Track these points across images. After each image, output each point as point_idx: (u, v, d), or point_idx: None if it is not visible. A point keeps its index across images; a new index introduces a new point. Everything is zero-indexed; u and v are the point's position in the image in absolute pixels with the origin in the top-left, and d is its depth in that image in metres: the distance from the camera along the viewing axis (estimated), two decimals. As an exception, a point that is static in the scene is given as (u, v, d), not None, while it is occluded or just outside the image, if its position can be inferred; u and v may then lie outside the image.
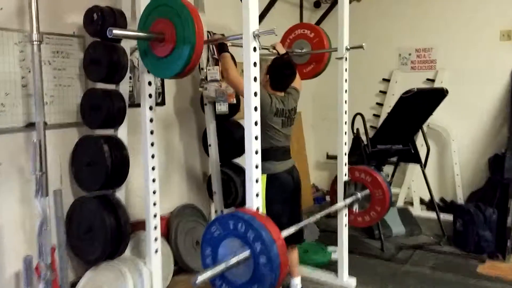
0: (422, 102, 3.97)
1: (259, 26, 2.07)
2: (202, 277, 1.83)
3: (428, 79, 5.03)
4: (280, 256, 1.92)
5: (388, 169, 4.90)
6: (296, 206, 2.91)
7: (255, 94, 2.12)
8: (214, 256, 2.09)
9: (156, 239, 2.71)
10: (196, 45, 2.04)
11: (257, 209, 2.20)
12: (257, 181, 2.19)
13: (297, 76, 3.01)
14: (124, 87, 2.85)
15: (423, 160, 4.38)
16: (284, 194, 2.75)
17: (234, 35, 2.31)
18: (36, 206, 2.36)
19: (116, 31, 1.97)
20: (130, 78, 3.13)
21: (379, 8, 5.33)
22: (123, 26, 2.72)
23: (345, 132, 3.10)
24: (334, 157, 4.68)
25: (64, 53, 2.77)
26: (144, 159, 2.63)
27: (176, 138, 3.75)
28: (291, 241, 2.77)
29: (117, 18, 2.69)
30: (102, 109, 2.68)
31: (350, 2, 5.13)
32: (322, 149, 5.82)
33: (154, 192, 2.67)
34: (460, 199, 4.73)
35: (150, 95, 2.59)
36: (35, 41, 2.30)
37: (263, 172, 2.63)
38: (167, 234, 3.42)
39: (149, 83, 2.57)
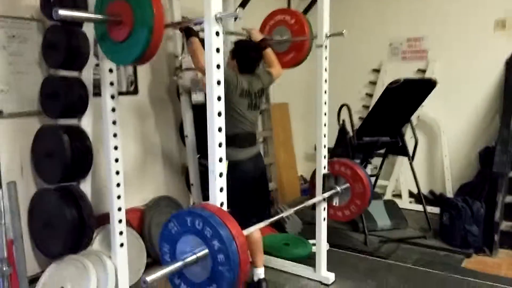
0: (410, 93, 3.80)
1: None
2: (151, 277, 1.70)
3: (419, 70, 4.87)
4: (239, 254, 1.79)
5: (377, 161, 4.77)
6: (261, 196, 2.79)
7: (218, 82, 1.97)
8: (172, 253, 1.96)
9: (121, 233, 2.58)
10: (154, 28, 1.88)
11: (221, 204, 2.06)
12: (221, 175, 2.04)
13: (276, 63, 2.91)
14: (86, 74, 2.69)
15: (411, 153, 4.24)
16: (246, 183, 2.62)
17: (197, 18, 2.14)
18: (-14, 199, 2.22)
19: (63, 12, 1.80)
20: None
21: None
22: (84, 8, 2.54)
23: (324, 124, 2.94)
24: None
25: (21, 37, 2.61)
26: (106, 151, 2.49)
27: (151, 129, 3.60)
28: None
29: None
30: (61, 98, 2.53)
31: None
32: (311, 140, 5.66)
33: (118, 185, 2.53)
34: (449, 192, 4.60)
35: (111, 83, 2.44)
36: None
37: None
38: (141, 226, 3.29)
39: (110, 70, 2.42)
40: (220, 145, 2.02)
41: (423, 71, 4.80)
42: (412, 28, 4.89)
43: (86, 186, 2.75)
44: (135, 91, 3.41)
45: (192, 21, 2.40)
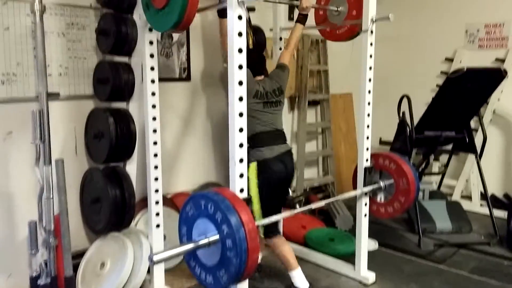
0: (475, 83, 3.45)
1: None
2: (158, 256, 1.75)
3: (497, 59, 4.42)
4: (247, 241, 1.78)
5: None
6: (284, 194, 2.75)
7: (240, 67, 1.96)
8: (189, 235, 2.00)
9: (157, 214, 2.68)
10: None
11: (241, 190, 2.05)
12: (241, 160, 2.03)
13: (293, 46, 2.85)
14: (135, 60, 2.82)
15: (479, 150, 3.87)
16: (275, 181, 2.57)
17: (219, 3, 2.14)
18: (36, 174, 2.43)
19: None
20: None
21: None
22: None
23: (368, 114, 2.80)
24: (388, 143, 4.37)
25: (79, 25, 2.81)
26: (146, 134, 2.59)
27: (203, 115, 3.68)
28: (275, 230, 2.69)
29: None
30: (109, 82, 2.68)
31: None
32: (375, 133, 5.42)
33: (155, 167, 2.63)
34: (527, 197, 4.14)
35: (152, 68, 2.54)
36: (37, 11, 2.33)
37: (251, 160, 2.50)
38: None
39: (151, 55, 2.52)
40: (240, 130, 2.00)
41: (502, 60, 4.35)
42: (491, 13, 4.44)
43: (131, 168, 2.89)
44: (188, 78, 3.51)
45: (214, 6, 2.38)
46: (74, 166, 2.88)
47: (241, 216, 1.80)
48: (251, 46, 3.02)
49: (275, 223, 2.65)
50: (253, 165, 2.52)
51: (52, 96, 2.64)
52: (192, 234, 1.96)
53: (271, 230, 2.64)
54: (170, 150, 3.46)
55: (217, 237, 1.83)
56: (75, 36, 2.80)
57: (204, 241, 1.84)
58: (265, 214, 2.44)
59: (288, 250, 2.68)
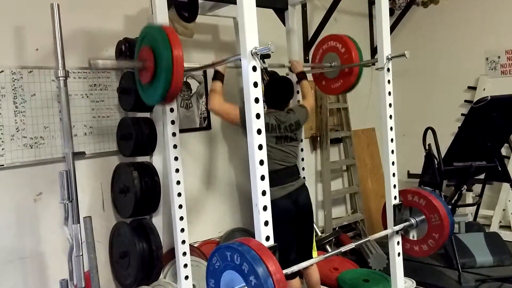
0: (500, 111, 3.39)
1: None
2: (187, 313, 1.73)
3: (523, 85, 4.34)
4: (276, 291, 1.73)
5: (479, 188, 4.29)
6: (303, 232, 2.69)
7: (257, 116, 1.99)
8: (217, 288, 1.97)
9: (185, 266, 2.66)
10: (173, 70, 2.00)
11: (267, 238, 2.02)
12: (265, 208, 2.02)
13: (309, 94, 2.91)
14: (156, 114, 2.91)
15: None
16: (284, 222, 2.51)
17: (234, 56, 2.19)
18: (65, 232, 2.47)
19: (96, 62, 2.03)
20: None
21: (460, 8, 4.77)
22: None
23: (392, 151, 2.76)
24: (416, 175, 4.29)
25: (101, 85, 2.93)
26: (170, 186, 2.62)
27: (226, 162, 3.71)
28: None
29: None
30: (131, 137, 2.76)
31: (424, 5, 4.80)
32: (402, 167, 5.32)
33: (181, 218, 2.63)
34: None
35: (172, 122, 2.58)
36: (61, 77, 2.44)
37: None
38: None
39: (171, 110, 2.57)
40: (262, 178, 2.00)
41: (528, 86, 4.27)
42: (511, 38, 4.40)
43: (157, 220, 2.92)
44: (209, 127, 3.58)
45: (227, 59, 2.44)
46: (102, 222, 2.92)
47: (268, 266, 1.76)
48: None
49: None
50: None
51: (78, 155, 2.73)
52: (220, 287, 1.94)
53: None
54: (196, 199, 3.48)
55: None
56: (98, 97, 2.93)
57: (231, 293, 1.80)
58: (280, 254, 2.37)
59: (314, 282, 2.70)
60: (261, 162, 2.00)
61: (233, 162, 3.74)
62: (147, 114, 2.94)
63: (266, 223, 2.02)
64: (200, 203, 3.53)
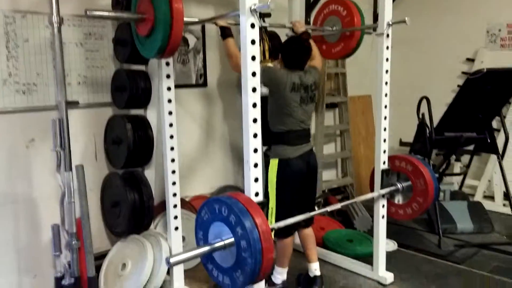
0: (495, 84, 3.41)
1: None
2: (175, 259, 1.80)
3: (520, 59, 4.33)
4: (261, 241, 1.80)
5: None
6: (309, 193, 2.73)
7: (253, 74, 1.99)
8: (205, 239, 2.04)
9: (176, 217, 2.73)
10: (173, 24, 1.98)
11: (256, 194, 2.07)
12: (256, 165, 2.05)
13: (317, 55, 2.85)
14: (152, 67, 2.89)
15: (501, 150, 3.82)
16: (295, 181, 2.58)
17: (232, 11, 2.16)
18: (57, 179, 2.51)
19: (92, 12, 2.00)
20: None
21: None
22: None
23: (385, 117, 2.79)
24: (408, 144, 4.34)
25: (97, 35, 2.89)
26: (163, 139, 2.65)
27: (220, 119, 3.73)
28: (302, 224, 2.71)
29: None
30: (126, 89, 2.75)
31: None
32: (395, 134, 5.37)
33: (173, 172, 2.68)
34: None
35: (168, 76, 2.58)
36: (55, 23, 2.41)
37: (275, 157, 2.53)
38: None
39: (167, 64, 2.56)
40: (255, 136, 2.03)
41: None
42: (514, 11, 4.37)
43: (150, 173, 2.97)
44: (205, 84, 3.57)
45: (225, 15, 2.41)
46: (94, 171, 2.96)
47: (255, 219, 1.82)
48: (267, 53, 3.08)
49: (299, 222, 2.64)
50: (275, 162, 2.53)
51: (72, 104, 2.72)
52: (208, 238, 2.00)
53: (283, 231, 2.63)
54: (189, 154, 3.52)
55: (232, 239, 1.86)
56: (92, 46, 2.88)
57: (219, 243, 1.87)
58: (283, 213, 2.45)
59: (308, 242, 2.78)
60: (255, 120, 2.02)
61: (228, 120, 3.76)
62: (142, 67, 2.92)
63: (256, 180, 2.06)
64: (194, 159, 3.57)
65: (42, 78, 2.67)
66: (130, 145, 2.72)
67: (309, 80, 2.60)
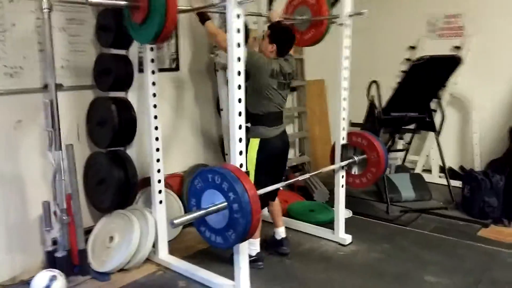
0: (435, 69, 3.92)
1: None
2: (178, 220, 2.07)
3: (455, 47, 4.90)
4: (251, 204, 2.11)
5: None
6: (281, 168, 3.08)
7: (238, 59, 2.26)
8: (198, 206, 2.32)
9: (160, 191, 2.98)
10: (167, 13, 2.21)
11: (240, 165, 2.37)
12: (240, 140, 2.35)
13: None
14: (133, 52, 3.08)
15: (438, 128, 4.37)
16: (273, 157, 2.90)
17: (219, 3, 2.43)
18: (49, 158, 2.68)
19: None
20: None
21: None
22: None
23: (344, 98, 3.17)
24: (357, 124, 4.79)
25: (78, 20, 3.02)
26: (148, 120, 2.87)
27: (192, 102, 3.96)
28: (271, 197, 3.06)
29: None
30: (111, 73, 2.93)
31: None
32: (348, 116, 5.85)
33: (157, 150, 2.92)
34: (478, 168, 4.67)
35: (152, 60, 2.79)
36: (45, 8, 2.54)
37: (256, 136, 2.83)
38: (180, 190, 3.70)
39: (151, 49, 2.77)
40: (239, 114, 2.32)
41: (459, 48, 4.83)
42: (451, 4, 4.92)
43: (132, 152, 3.17)
44: (177, 68, 3.78)
45: (214, 6, 2.66)
46: (77, 151, 3.07)
47: (244, 184, 2.14)
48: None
49: (270, 195, 2.94)
50: (255, 141, 2.80)
51: (56, 87, 2.86)
52: (201, 204, 2.29)
53: (266, 201, 2.98)
54: (163, 136, 3.70)
55: (225, 203, 2.16)
56: (74, 31, 3.01)
57: (214, 207, 2.16)
58: (261, 187, 2.76)
59: (276, 210, 3.14)
60: (239, 100, 2.31)
61: (199, 103, 4.00)
62: (123, 52, 3.09)
63: (240, 153, 2.37)
64: (167, 140, 3.78)
65: (28, 61, 2.78)
66: (116, 126, 2.91)
67: (288, 69, 2.87)
